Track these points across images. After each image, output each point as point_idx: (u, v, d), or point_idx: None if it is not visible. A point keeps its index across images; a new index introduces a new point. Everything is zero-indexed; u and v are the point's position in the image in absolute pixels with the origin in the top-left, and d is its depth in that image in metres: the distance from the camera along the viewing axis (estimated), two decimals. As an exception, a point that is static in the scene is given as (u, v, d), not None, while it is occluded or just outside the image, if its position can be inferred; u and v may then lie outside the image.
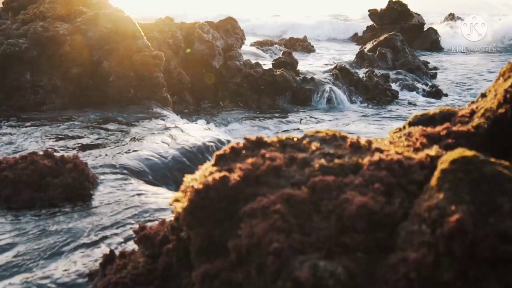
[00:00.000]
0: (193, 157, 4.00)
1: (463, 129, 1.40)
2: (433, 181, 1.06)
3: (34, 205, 2.46)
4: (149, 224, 1.74)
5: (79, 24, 5.96)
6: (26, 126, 4.67)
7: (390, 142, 1.40)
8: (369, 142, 1.32)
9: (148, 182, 3.32)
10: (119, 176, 3.20)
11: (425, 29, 19.08)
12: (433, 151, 1.23)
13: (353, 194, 1.08)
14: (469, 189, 1.01)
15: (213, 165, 1.30)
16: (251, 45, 15.16)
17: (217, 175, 1.19)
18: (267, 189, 1.15)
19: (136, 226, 1.73)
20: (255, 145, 1.32)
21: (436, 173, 1.07)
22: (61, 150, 3.90)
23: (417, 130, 1.44)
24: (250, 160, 1.23)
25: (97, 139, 4.28)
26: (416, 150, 1.31)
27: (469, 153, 1.06)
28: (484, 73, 13.69)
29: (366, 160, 1.20)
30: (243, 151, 1.31)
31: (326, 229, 1.06)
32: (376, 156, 1.21)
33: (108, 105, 5.60)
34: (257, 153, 1.27)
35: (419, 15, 19.45)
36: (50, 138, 4.25)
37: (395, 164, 1.17)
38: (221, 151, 1.32)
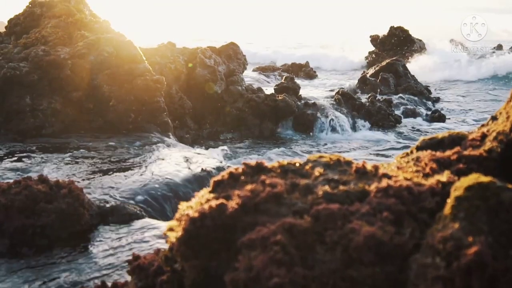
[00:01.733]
0: (193, 184, 3.92)
1: (474, 153, 1.33)
2: (447, 210, 0.98)
3: (26, 232, 2.37)
4: (144, 253, 1.65)
5: (81, 48, 5.96)
6: (24, 151, 4.61)
7: (398, 168, 1.32)
8: (376, 168, 1.25)
9: (145, 210, 3.24)
10: (116, 202, 3.12)
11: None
12: (444, 176, 1.16)
13: (360, 224, 1.01)
14: (487, 218, 0.94)
15: (210, 191, 1.22)
16: (253, 70, 15.21)
17: (214, 203, 1.12)
18: (267, 218, 1.08)
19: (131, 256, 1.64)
20: (255, 171, 1.25)
21: (450, 201, 0.99)
22: (57, 175, 3.83)
23: (425, 154, 1.37)
24: (249, 187, 1.15)
25: (95, 164, 4.21)
26: (426, 175, 1.23)
27: (485, 179, 0.99)
28: (489, 96, 13.69)
29: (373, 187, 1.13)
30: (242, 177, 1.23)
31: (331, 262, 0.98)
32: (384, 182, 1.13)
33: (108, 130, 5.55)
34: (257, 179, 1.20)
35: (420, 40, 19.58)
36: (47, 163, 4.18)
37: (404, 191, 1.10)
38: (218, 177, 1.25)
